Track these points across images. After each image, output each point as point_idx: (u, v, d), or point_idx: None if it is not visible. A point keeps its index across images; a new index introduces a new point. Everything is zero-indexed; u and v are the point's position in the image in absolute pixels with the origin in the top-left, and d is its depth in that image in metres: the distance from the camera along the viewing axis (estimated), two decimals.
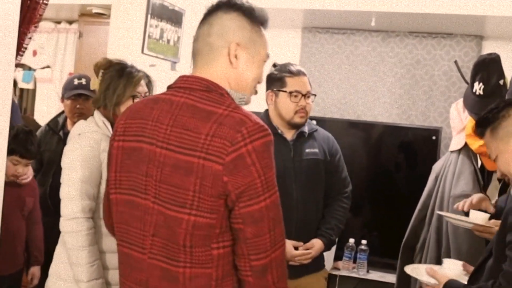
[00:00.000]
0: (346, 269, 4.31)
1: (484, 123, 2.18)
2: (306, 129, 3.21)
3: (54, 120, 3.82)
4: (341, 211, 3.28)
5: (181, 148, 1.70)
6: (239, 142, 1.65)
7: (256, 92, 1.94)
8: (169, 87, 1.86)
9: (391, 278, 4.13)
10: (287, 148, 3.15)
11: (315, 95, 3.25)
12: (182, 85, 1.82)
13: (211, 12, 1.86)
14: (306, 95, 3.15)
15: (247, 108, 1.80)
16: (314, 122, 3.37)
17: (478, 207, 2.77)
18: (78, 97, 3.60)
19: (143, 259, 1.79)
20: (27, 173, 3.15)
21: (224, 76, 1.82)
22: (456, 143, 3.68)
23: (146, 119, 1.80)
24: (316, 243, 3.13)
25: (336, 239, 3.35)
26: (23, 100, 6.41)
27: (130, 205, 1.82)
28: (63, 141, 3.55)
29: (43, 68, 6.09)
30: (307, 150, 3.19)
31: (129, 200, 1.83)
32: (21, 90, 6.30)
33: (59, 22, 6.02)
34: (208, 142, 1.66)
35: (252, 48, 1.85)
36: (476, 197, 2.81)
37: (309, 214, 3.16)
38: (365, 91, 4.95)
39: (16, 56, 2.77)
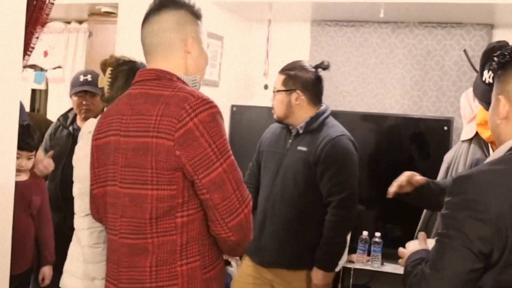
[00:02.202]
0: (360, 262, 4.29)
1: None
2: (301, 126, 3.30)
3: (65, 115, 3.85)
4: (328, 225, 3.26)
5: (138, 132, 1.89)
6: (184, 118, 1.81)
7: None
8: (132, 83, 2.08)
9: None
10: (285, 141, 3.35)
11: (286, 91, 3.38)
12: (138, 79, 2.04)
13: (157, 11, 2.04)
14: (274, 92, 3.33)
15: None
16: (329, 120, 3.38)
17: (409, 186, 2.72)
18: (84, 94, 3.62)
19: (115, 240, 2.00)
20: (30, 166, 3.16)
21: (182, 65, 2.02)
22: (467, 132, 3.66)
23: (113, 115, 2.02)
24: (313, 275, 3.24)
25: (337, 254, 3.39)
26: (35, 101, 6.44)
27: (107, 195, 2.03)
28: (72, 136, 3.59)
29: (54, 68, 6.12)
30: (298, 148, 3.28)
31: (106, 191, 2.04)
32: (33, 91, 6.32)
33: (69, 22, 6.04)
34: (158, 122, 1.84)
35: (201, 38, 2.08)
36: (404, 176, 2.74)
37: (282, 204, 3.27)
38: (375, 83, 4.94)
39: (24, 56, 2.77)
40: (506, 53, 1.73)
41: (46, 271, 3.28)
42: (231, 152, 1.88)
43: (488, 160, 1.84)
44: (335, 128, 3.33)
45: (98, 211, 2.14)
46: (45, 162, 3.29)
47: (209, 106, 1.86)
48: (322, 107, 3.38)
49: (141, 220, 1.89)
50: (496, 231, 1.57)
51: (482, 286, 1.62)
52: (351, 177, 3.25)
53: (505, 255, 1.57)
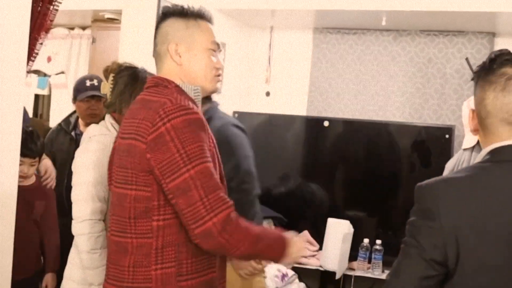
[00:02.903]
0: (361, 269, 4.28)
1: None
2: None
3: (66, 120, 3.79)
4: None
5: (127, 134, 1.92)
6: (157, 122, 1.82)
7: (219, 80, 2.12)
8: None
9: None
10: None
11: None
12: (145, 85, 2.06)
13: (156, 26, 2.09)
14: None
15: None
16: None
17: None
18: (91, 99, 3.59)
19: (108, 237, 2.06)
20: (32, 173, 3.13)
21: (176, 74, 2.00)
22: (469, 140, 3.65)
23: (124, 118, 2.06)
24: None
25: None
26: (38, 106, 6.45)
27: (111, 194, 2.09)
28: (75, 141, 3.56)
29: (57, 74, 6.13)
30: None
31: (111, 189, 2.09)
32: (36, 96, 6.33)
33: (72, 28, 6.06)
34: (139, 125, 1.87)
35: (191, 42, 2.01)
36: None
37: None
38: (377, 90, 4.94)
39: (28, 62, 2.78)
40: (479, 68, 1.74)
41: (49, 279, 3.22)
42: (205, 159, 1.84)
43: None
44: (219, 120, 3.27)
45: None
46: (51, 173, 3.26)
47: (185, 112, 1.84)
48: (210, 104, 3.29)
49: (123, 219, 1.93)
50: (447, 240, 1.56)
51: None
52: (242, 158, 3.19)
53: (460, 263, 1.56)
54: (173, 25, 2.03)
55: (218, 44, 2.08)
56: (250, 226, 1.91)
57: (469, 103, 3.70)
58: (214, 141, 2.01)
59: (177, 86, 1.98)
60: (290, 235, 2.04)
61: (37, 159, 3.07)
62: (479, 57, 4.44)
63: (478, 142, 3.55)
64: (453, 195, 1.59)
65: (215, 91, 2.14)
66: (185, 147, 1.80)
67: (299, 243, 2.04)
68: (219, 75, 2.10)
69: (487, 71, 1.67)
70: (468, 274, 1.56)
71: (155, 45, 2.06)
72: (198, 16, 2.06)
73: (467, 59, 4.10)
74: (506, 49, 1.71)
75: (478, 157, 1.71)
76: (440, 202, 1.59)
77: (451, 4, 4.11)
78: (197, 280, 1.92)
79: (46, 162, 3.25)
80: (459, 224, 1.56)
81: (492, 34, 4.68)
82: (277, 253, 1.97)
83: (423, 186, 1.68)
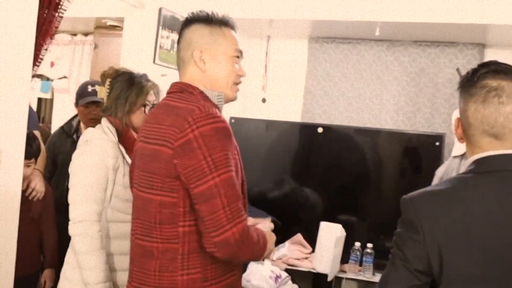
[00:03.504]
0: (352, 271, 4.29)
1: None
2: None
3: (68, 123, 3.80)
4: None
5: (152, 139, 1.90)
6: (186, 129, 1.79)
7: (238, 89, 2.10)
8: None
9: None
10: None
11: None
12: (169, 90, 2.03)
13: (180, 31, 2.06)
14: None
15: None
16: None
17: None
18: (92, 104, 3.59)
19: (132, 240, 2.01)
20: (28, 174, 3.09)
21: (198, 81, 1.98)
22: (459, 148, 3.66)
23: (146, 122, 2.04)
24: None
25: None
26: (41, 110, 6.46)
27: (134, 196, 2.06)
28: (76, 144, 3.56)
29: (60, 78, 6.13)
30: None
31: (133, 192, 2.07)
32: (39, 99, 6.34)
33: (75, 34, 6.06)
34: (166, 131, 1.84)
35: (215, 49, 1.99)
36: None
37: None
38: (371, 98, 4.96)
39: (33, 67, 2.80)
40: (462, 79, 1.73)
41: (47, 275, 3.26)
42: (229, 168, 1.81)
43: None
44: None
45: None
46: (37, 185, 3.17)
47: (213, 120, 1.80)
48: None
49: (149, 224, 1.90)
50: (430, 251, 1.56)
51: None
52: None
53: (444, 273, 1.56)
54: (197, 32, 1.99)
55: (241, 52, 2.06)
56: (254, 233, 1.87)
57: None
58: (238, 148, 1.97)
59: (201, 92, 1.95)
60: (265, 229, 2.02)
61: (32, 160, 3.06)
62: (470, 67, 4.39)
63: None
64: (434, 208, 1.59)
65: (235, 98, 2.08)
66: (212, 155, 1.77)
67: (272, 235, 2.03)
68: (239, 83, 2.07)
69: (469, 83, 1.66)
70: (452, 283, 1.56)
71: (179, 50, 2.03)
72: (222, 23, 2.02)
73: (458, 69, 4.12)
74: (494, 61, 1.70)
75: (464, 166, 1.72)
76: (421, 215, 1.59)
77: (443, 16, 4.13)
78: (221, 284, 1.92)
79: (36, 175, 3.18)
80: (440, 236, 1.56)
81: (482, 46, 4.70)
82: (264, 251, 1.96)
83: (406, 199, 1.67)
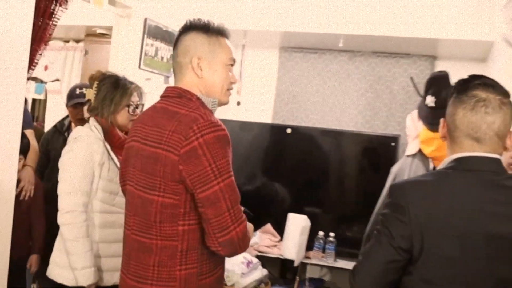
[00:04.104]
0: (316, 258, 4.30)
1: None
2: None
3: (61, 122, 3.77)
4: None
5: (152, 142, 1.83)
6: (191, 137, 1.74)
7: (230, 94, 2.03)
8: (160, 97, 1.98)
9: None
10: None
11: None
12: (164, 94, 1.96)
13: (177, 37, 1.98)
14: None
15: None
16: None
17: None
18: (80, 105, 3.56)
19: (128, 235, 1.94)
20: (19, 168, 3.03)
21: (195, 86, 1.92)
22: (412, 148, 3.69)
23: (140, 123, 1.96)
24: None
25: None
26: (35, 109, 6.37)
27: (127, 193, 1.98)
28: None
29: (53, 81, 6.06)
30: None
31: (126, 189, 1.99)
32: (34, 100, 6.26)
33: (67, 41, 6.00)
34: (170, 137, 1.77)
35: (212, 57, 1.93)
36: None
37: None
38: (334, 103, 4.97)
39: (28, 70, 2.76)
40: (455, 86, 1.79)
41: (33, 259, 3.22)
42: (231, 173, 1.79)
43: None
44: None
45: None
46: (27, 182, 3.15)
47: (216, 129, 1.77)
48: None
49: (148, 222, 1.84)
50: (414, 232, 1.63)
51: (411, 281, 1.68)
52: None
53: (424, 252, 1.63)
54: (196, 39, 1.91)
55: (234, 60, 2.01)
56: (247, 229, 1.86)
57: (413, 116, 3.75)
58: None
59: (198, 98, 1.89)
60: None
61: (21, 156, 3.01)
62: (422, 77, 4.49)
63: (419, 150, 3.63)
64: (421, 196, 1.66)
65: (227, 103, 2.03)
66: (216, 162, 1.74)
67: (251, 226, 2.00)
68: (231, 89, 2.02)
69: (460, 91, 1.72)
70: (429, 262, 1.63)
71: (176, 55, 1.95)
72: (219, 33, 1.96)
73: (411, 78, 4.15)
74: (483, 75, 1.76)
75: (443, 163, 1.77)
76: (409, 201, 1.65)
77: (399, 31, 4.16)
78: (213, 277, 1.89)
79: (26, 173, 3.14)
80: (424, 220, 1.63)
81: (433, 57, 4.73)
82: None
83: (397, 186, 1.75)
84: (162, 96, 1.96)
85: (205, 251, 1.83)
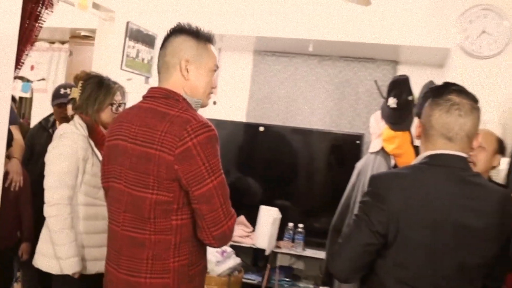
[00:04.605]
0: (286, 247, 4.33)
1: None
2: None
3: (46, 119, 3.70)
4: None
5: (144, 142, 1.77)
6: (185, 137, 1.71)
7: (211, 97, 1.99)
8: (143, 97, 1.91)
9: (322, 254, 4.18)
10: None
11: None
12: (149, 94, 1.89)
13: (166, 37, 1.92)
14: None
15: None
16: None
17: None
18: (64, 105, 3.51)
19: (117, 231, 1.86)
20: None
21: (180, 87, 1.87)
22: (374, 146, 3.71)
23: (123, 121, 1.88)
24: None
25: None
26: (22, 107, 6.27)
27: (112, 190, 1.90)
28: (51, 137, 3.47)
29: (39, 80, 5.95)
30: None
31: (111, 186, 1.90)
32: (20, 98, 6.16)
33: (53, 42, 5.90)
34: (163, 137, 1.73)
35: (199, 62, 1.88)
36: None
37: None
38: (304, 103, 4.99)
39: (15, 70, 2.72)
40: (431, 91, 1.86)
41: (24, 247, 3.16)
42: (222, 171, 1.77)
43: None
44: None
45: (106, 201, 2.01)
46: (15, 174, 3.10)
47: (207, 130, 1.74)
48: None
49: (142, 218, 1.79)
50: (391, 219, 1.69)
51: (384, 264, 1.73)
52: None
53: (398, 237, 1.68)
54: (185, 43, 1.87)
55: (218, 66, 1.97)
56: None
57: (376, 116, 3.79)
58: None
59: (184, 99, 1.85)
60: None
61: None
62: (385, 80, 4.51)
63: (382, 148, 3.66)
64: (398, 186, 1.72)
65: (207, 105, 1.99)
66: (209, 161, 1.72)
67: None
68: (212, 92, 1.98)
69: (437, 95, 1.80)
70: (402, 247, 1.69)
71: (164, 55, 1.89)
72: (207, 39, 1.92)
73: (375, 81, 4.18)
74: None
75: (417, 159, 1.84)
76: (388, 190, 1.72)
77: (364, 37, 4.20)
78: (199, 267, 1.88)
79: (14, 165, 3.09)
80: (401, 208, 1.69)
81: (395, 62, 4.78)
82: None
83: (377, 176, 1.83)
84: (146, 97, 1.89)
85: (196, 243, 1.82)
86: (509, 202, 1.78)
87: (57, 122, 3.62)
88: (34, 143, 3.57)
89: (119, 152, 1.86)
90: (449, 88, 1.79)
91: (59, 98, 3.54)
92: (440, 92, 1.80)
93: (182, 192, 1.75)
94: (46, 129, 3.64)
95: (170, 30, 1.92)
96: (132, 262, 1.82)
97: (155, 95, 1.86)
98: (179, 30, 1.90)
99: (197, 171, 1.71)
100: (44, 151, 2.60)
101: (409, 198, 1.69)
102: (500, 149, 2.88)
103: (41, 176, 2.56)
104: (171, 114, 1.76)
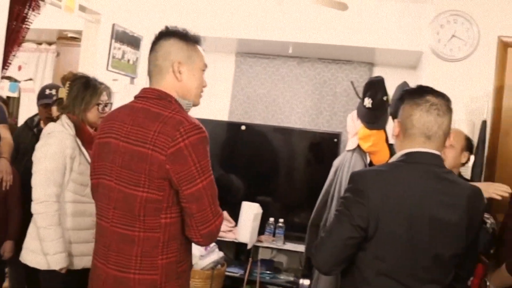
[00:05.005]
0: (267, 241, 4.33)
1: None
2: None
3: (31, 119, 3.64)
4: None
5: (136, 141, 1.74)
6: (177, 138, 1.69)
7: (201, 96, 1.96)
8: (135, 97, 1.89)
9: (302, 248, 4.19)
10: None
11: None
12: (142, 95, 1.86)
13: (155, 41, 1.89)
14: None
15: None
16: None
17: None
18: (49, 105, 3.45)
19: (107, 227, 1.83)
20: None
21: (173, 89, 1.85)
22: (351, 144, 3.71)
23: (115, 120, 1.85)
24: None
25: None
26: (9, 106, 6.18)
27: (101, 186, 1.86)
28: (36, 136, 3.40)
29: (26, 80, 5.88)
30: None
31: (101, 183, 1.86)
32: (8, 98, 6.06)
33: (40, 43, 5.83)
34: (156, 137, 1.71)
35: (190, 63, 1.87)
36: None
37: None
38: (284, 103, 5.00)
39: (2, 70, 2.68)
40: (407, 93, 1.88)
41: (7, 245, 3.07)
42: (211, 172, 1.77)
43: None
44: None
45: (94, 197, 1.97)
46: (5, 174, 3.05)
47: (199, 131, 1.73)
48: None
49: (131, 215, 1.76)
50: (371, 213, 1.70)
51: (364, 257, 1.75)
52: None
53: (378, 231, 1.70)
54: (176, 46, 1.85)
55: (206, 66, 1.95)
56: None
57: (353, 116, 3.78)
58: None
59: (176, 101, 1.83)
60: None
61: None
62: (361, 81, 4.54)
63: (358, 146, 3.67)
64: (378, 182, 1.74)
65: (198, 105, 1.96)
66: (200, 161, 1.71)
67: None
68: (202, 91, 1.96)
69: (414, 96, 1.82)
70: (382, 240, 1.71)
71: (155, 58, 1.86)
72: (195, 41, 1.90)
73: (352, 82, 4.18)
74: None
75: (394, 157, 1.87)
76: (368, 186, 1.73)
77: (341, 40, 4.22)
78: (186, 264, 1.86)
79: (3, 165, 3.03)
80: (380, 204, 1.71)
81: (371, 64, 4.81)
82: None
83: (357, 173, 1.84)
84: (139, 97, 1.86)
85: (184, 241, 1.81)
86: (478, 198, 1.82)
87: (42, 122, 3.57)
88: (19, 142, 3.51)
89: (110, 150, 1.82)
90: (427, 89, 1.83)
91: (44, 98, 3.49)
92: (418, 94, 1.83)
93: (172, 191, 1.74)
94: (31, 129, 3.58)
95: (158, 34, 1.90)
96: (121, 258, 1.79)
97: (148, 96, 1.83)
98: (167, 34, 1.88)
99: (188, 171, 1.70)
100: (28, 150, 2.57)
101: (387, 194, 1.71)
102: (468, 146, 2.91)
103: (26, 175, 2.52)
104: (164, 115, 1.74)
